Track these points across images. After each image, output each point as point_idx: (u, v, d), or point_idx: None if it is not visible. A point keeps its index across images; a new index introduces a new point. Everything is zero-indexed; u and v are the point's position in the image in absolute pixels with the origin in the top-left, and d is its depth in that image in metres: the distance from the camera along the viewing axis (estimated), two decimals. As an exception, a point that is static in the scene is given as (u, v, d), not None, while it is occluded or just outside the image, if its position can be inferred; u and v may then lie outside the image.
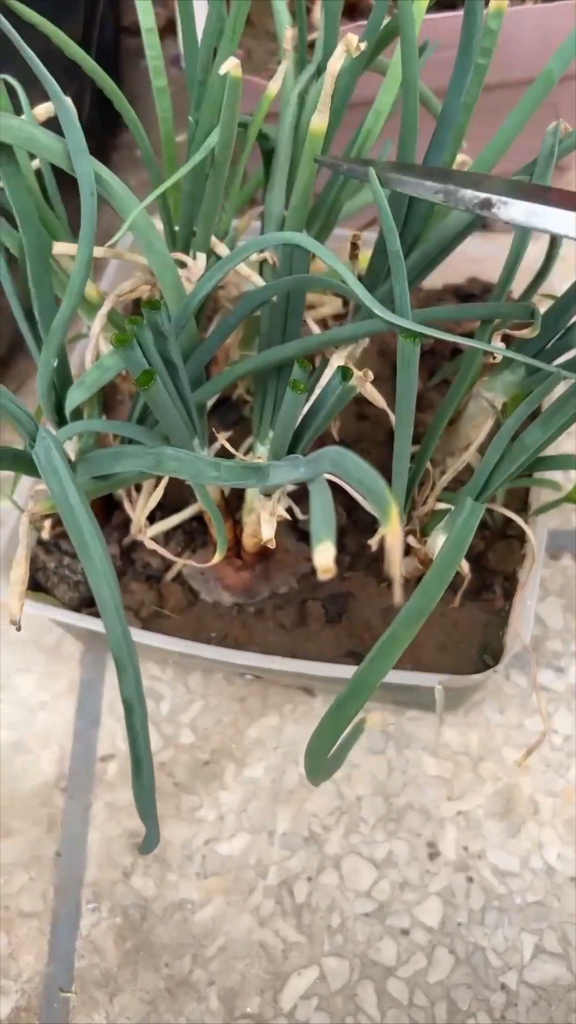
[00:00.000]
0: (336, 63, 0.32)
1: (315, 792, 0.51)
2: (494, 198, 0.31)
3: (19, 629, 0.34)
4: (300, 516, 0.50)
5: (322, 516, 0.25)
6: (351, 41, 0.32)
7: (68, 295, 0.34)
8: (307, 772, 0.31)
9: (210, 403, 0.49)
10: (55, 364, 0.39)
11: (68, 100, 0.34)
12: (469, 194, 0.31)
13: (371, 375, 0.35)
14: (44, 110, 0.39)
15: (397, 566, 0.20)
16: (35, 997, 0.46)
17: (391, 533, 0.20)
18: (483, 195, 0.31)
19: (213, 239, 0.42)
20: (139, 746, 0.29)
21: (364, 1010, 0.45)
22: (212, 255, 0.42)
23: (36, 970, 0.47)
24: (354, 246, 0.43)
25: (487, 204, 0.31)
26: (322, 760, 0.29)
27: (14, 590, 0.35)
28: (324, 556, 0.23)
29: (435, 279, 0.61)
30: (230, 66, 0.32)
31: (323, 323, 0.51)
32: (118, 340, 0.31)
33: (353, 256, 0.43)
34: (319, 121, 0.34)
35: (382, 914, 0.47)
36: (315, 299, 0.51)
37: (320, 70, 0.40)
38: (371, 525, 0.50)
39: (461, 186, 0.31)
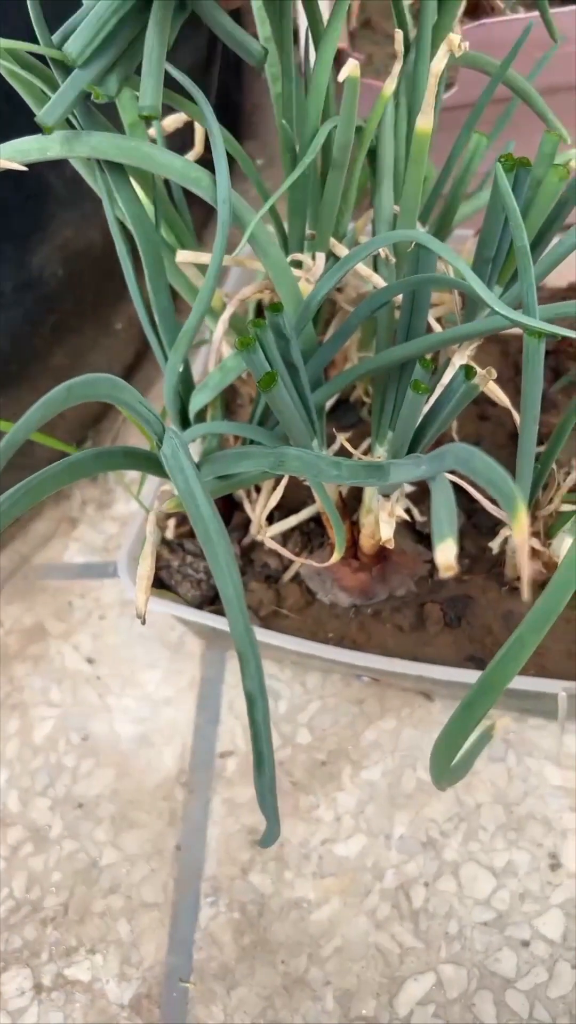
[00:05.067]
0: (440, 63, 0.32)
1: (433, 798, 0.50)
2: None
3: (144, 623, 0.35)
4: (418, 517, 0.50)
5: (444, 513, 0.24)
6: (454, 41, 0.31)
7: (197, 304, 0.35)
8: (433, 776, 0.30)
9: (328, 404, 0.50)
10: (180, 369, 0.40)
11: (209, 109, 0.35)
12: None
13: (495, 373, 0.35)
14: (172, 121, 0.40)
15: (526, 564, 0.19)
16: (155, 985, 0.47)
17: (518, 532, 0.20)
18: None
19: (332, 240, 0.42)
20: (261, 740, 0.29)
21: (482, 1020, 0.44)
22: (331, 256, 0.43)
23: (156, 959, 0.48)
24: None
25: None
26: (448, 764, 0.29)
27: (140, 585, 0.36)
28: (446, 553, 0.23)
29: (558, 278, 0.59)
30: (350, 68, 0.32)
31: (438, 322, 0.50)
32: (242, 343, 0.31)
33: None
34: (424, 122, 0.33)
35: (501, 924, 0.46)
36: (435, 298, 0.50)
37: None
38: (492, 528, 0.49)
39: None
